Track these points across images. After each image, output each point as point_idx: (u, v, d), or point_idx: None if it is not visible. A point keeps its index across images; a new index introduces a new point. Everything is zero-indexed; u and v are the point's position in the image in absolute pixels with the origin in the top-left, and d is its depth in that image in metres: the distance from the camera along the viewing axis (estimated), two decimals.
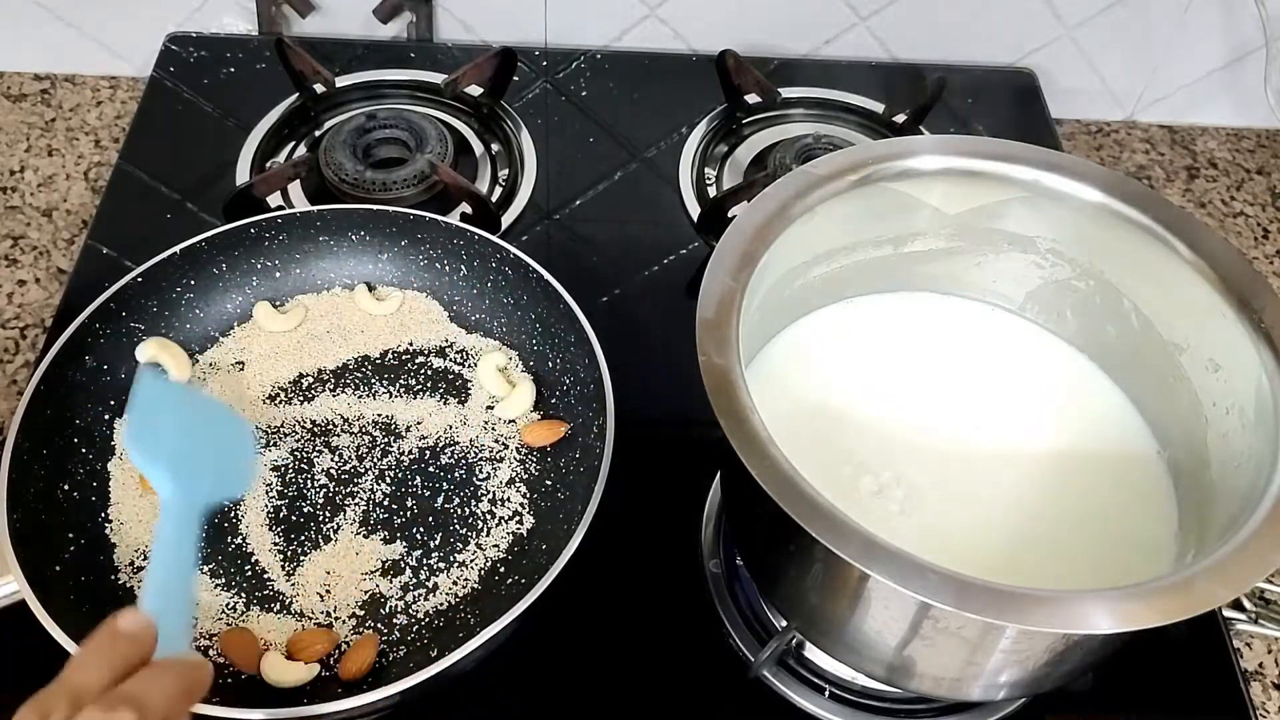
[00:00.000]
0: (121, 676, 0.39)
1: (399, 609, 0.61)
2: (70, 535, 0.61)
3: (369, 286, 0.75)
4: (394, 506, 0.65)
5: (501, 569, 0.63)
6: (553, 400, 0.70)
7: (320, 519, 0.65)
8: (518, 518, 0.65)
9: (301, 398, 0.70)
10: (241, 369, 0.71)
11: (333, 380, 0.71)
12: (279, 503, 0.65)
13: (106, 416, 0.67)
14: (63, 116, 0.92)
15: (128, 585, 0.61)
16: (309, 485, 0.66)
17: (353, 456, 0.67)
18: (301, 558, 0.63)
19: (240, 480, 0.61)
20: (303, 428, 0.69)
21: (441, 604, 0.62)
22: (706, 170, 0.89)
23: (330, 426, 0.69)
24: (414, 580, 0.62)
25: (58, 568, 0.59)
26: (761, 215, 0.57)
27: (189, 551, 0.50)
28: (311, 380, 0.71)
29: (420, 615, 0.61)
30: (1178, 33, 0.95)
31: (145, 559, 0.62)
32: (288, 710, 0.53)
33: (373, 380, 0.71)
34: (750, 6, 0.95)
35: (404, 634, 0.60)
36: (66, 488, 0.63)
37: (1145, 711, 0.63)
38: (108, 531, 0.63)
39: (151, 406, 0.56)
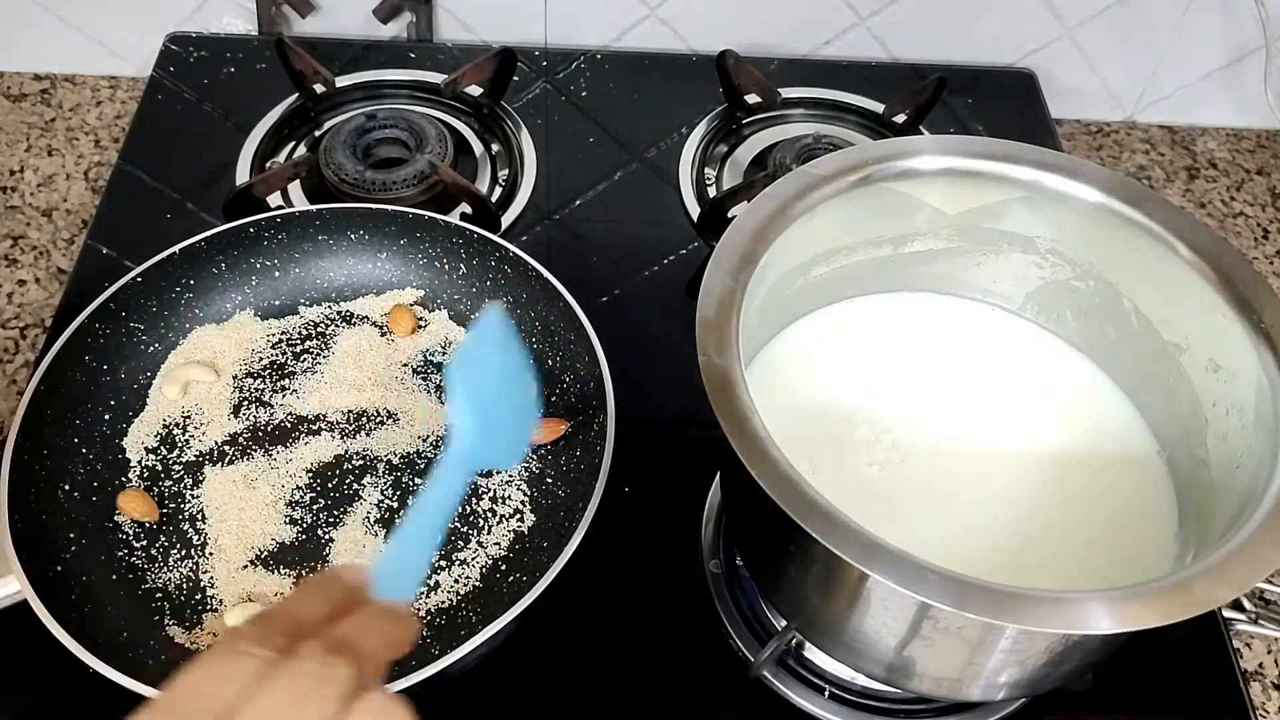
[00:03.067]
0: (336, 615, 0.38)
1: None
2: (72, 535, 0.61)
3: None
4: (395, 505, 0.66)
5: (503, 567, 0.63)
6: (553, 398, 0.70)
7: (322, 518, 0.65)
8: (518, 515, 0.65)
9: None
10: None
11: None
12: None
13: (107, 417, 0.67)
14: (63, 116, 0.92)
15: (130, 581, 0.61)
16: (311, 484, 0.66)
17: (354, 454, 0.68)
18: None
19: (516, 451, 0.53)
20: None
21: (443, 602, 0.62)
22: (706, 170, 0.89)
23: (331, 425, 0.69)
24: None
25: (59, 568, 0.59)
26: (761, 215, 0.57)
27: (450, 505, 0.46)
28: None
29: (422, 613, 0.61)
30: (1178, 33, 0.95)
31: (146, 558, 0.62)
32: None
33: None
34: (750, 6, 0.95)
35: None
36: (67, 488, 0.63)
37: (1145, 711, 0.63)
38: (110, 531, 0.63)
39: (486, 341, 0.50)
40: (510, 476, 0.67)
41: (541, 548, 0.63)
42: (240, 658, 0.34)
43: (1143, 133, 1.01)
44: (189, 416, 0.68)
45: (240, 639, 0.35)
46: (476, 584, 0.62)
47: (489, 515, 0.65)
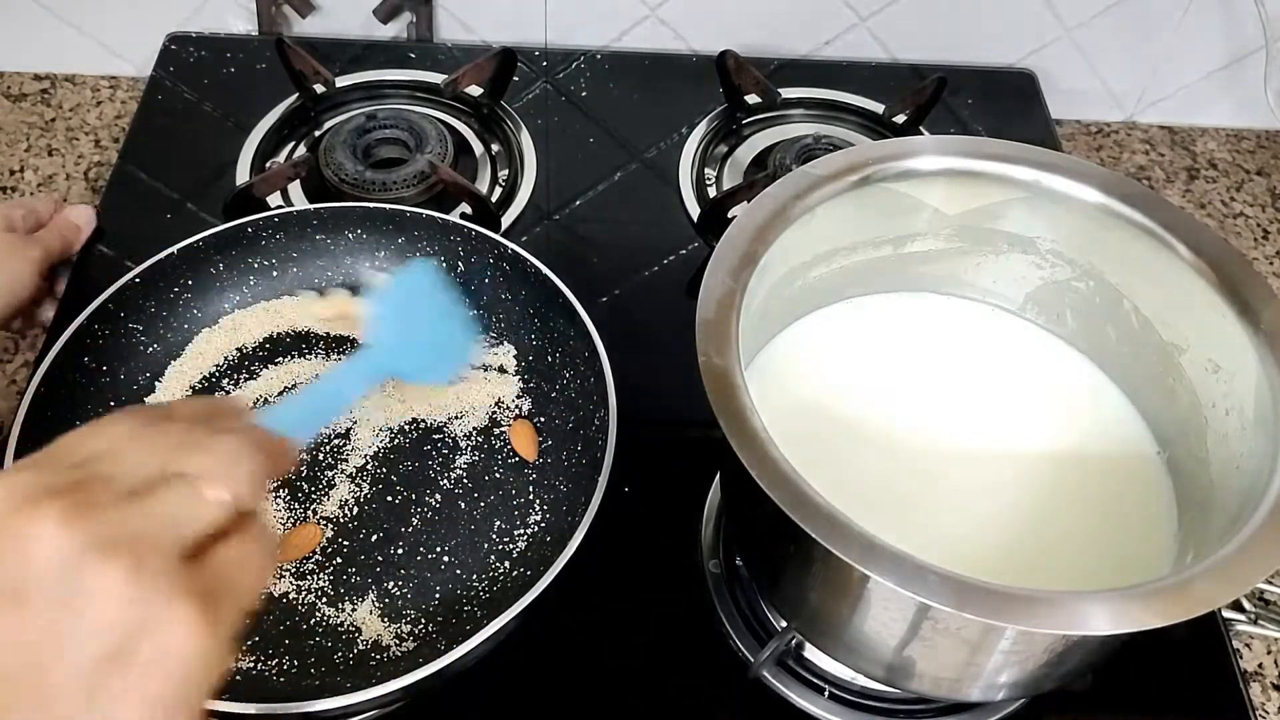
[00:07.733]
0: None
1: (407, 601, 0.61)
2: None
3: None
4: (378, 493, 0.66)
5: (506, 563, 0.63)
6: (553, 394, 0.70)
7: (317, 507, 0.65)
8: None
9: None
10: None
11: None
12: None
13: None
14: (63, 116, 0.92)
15: None
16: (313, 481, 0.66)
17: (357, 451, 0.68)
18: None
19: (437, 370, 0.62)
20: None
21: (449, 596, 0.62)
22: (706, 170, 0.89)
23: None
24: None
25: None
26: (761, 215, 0.57)
27: (348, 398, 0.50)
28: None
29: (427, 608, 0.61)
30: (1178, 33, 0.95)
31: None
32: (295, 705, 0.53)
33: None
34: (750, 6, 0.95)
35: (413, 625, 0.60)
36: None
37: (1145, 711, 0.63)
38: None
39: (413, 284, 0.59)
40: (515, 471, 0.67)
41: (545, 542, 0.63)
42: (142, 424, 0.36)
43: (1143, 133, 1.01)
44: None
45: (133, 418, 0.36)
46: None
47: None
